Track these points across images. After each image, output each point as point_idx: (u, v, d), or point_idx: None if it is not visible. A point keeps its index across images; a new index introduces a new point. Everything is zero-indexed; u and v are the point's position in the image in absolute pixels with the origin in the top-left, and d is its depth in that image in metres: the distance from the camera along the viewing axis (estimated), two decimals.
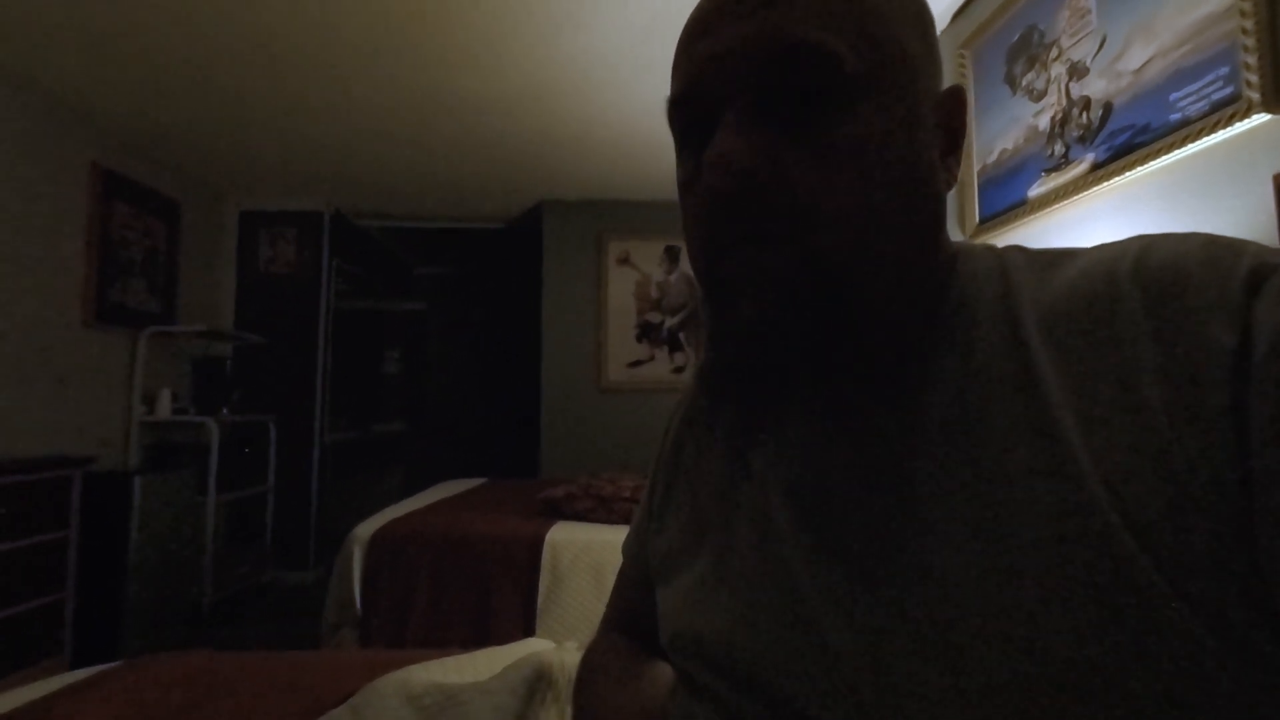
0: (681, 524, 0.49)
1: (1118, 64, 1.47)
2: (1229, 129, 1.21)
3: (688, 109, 0.39)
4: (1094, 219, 1.59)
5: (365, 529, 2.02)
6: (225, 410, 3.38)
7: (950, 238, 0.41)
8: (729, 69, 0.36)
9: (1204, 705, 0.26)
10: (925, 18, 0.40)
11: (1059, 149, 1.67)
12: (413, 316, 5.36)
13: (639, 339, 3.90)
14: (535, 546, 1.94)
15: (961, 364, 0.36)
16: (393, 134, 3.00)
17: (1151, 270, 0.32)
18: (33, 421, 2.53)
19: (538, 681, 0.60)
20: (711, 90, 0.36)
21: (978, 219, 2.02)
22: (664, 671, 0.54)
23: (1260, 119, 1.16)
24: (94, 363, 2.88)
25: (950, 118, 0.40)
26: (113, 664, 0.92)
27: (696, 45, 0.37)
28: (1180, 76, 1.31)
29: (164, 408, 3.14)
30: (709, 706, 0.41)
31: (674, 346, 3.90)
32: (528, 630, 1.82)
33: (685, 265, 3.93)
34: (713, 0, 0.38)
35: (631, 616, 0.61)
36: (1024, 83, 1.83)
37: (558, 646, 0.92)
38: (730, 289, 0.36)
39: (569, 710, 0.65)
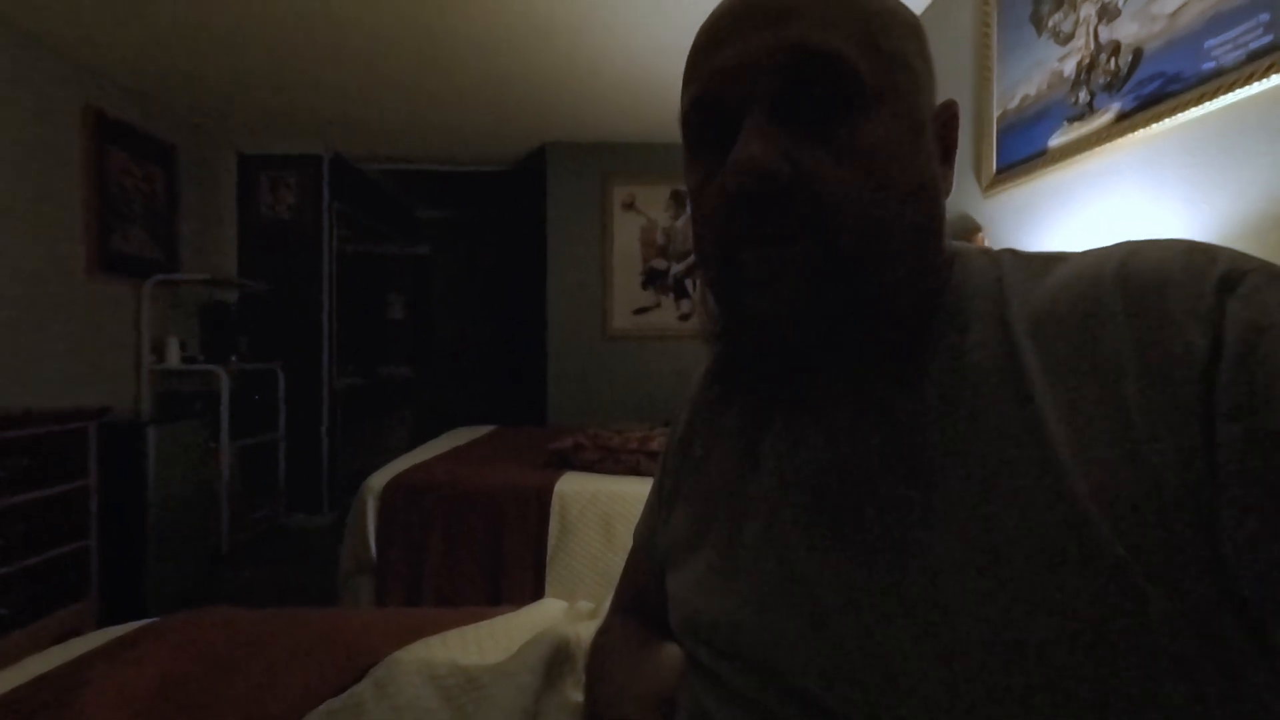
0: (692, 512, 0.50)
1: (1152, 6, 1.39)
2: (1264, 81, 1.16)
3: (706, 114, 0.40)
4: (1116, 173, 1.54)
5: (378, 479, 2.06)
6: (234, 358, 3.40)
7: (949, 241, 0.44)
8: (750, 76, 0.37)
9: (1183, 698, 0.28)
10: (922, 34, 0.42)
11: (1084, 97, 1.61)
12: (416, 261, 5.32)
13: (645, 285, 3.87)
14: (544, 497, 1.97)
15: (954, 362, 0.38)
16: (392, 74, 2.90)
17: (1134, 274, 0.34)
18: (43, 374, 2.55)
19: (556, 658, 0.62)
20: (732, 97, 0.38)
21: (995, 168, 1.96)
22: (673, 653, 0.56)
23: None
24: (99, 313, 2.88)
25: (945, 130, 0.43)
26: (142, 622, 0.95)
27: (716, 53, 0.39)
28: (1217, 21, 1.25)
29: (173, 356, 3.16)
30: (717, 689, 0.43)
31: (680, 293, 3.88)
32: (538, 579, 1.88)
33: None
34: (731, 10, 0.39)
35: (641, 599, 0.62)
36: (1050, 23, 1.74)
37: (569, 608, 0.95)
38: (748, 284, 0.38)
39: (583, 681, 0.67)
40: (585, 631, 0.71)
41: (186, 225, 3.43)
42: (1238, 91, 1.21)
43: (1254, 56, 1.17)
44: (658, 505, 0.59)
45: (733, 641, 0.42)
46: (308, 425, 3.86)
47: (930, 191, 0.40)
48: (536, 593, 1.88)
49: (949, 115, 0.43)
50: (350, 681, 0.70)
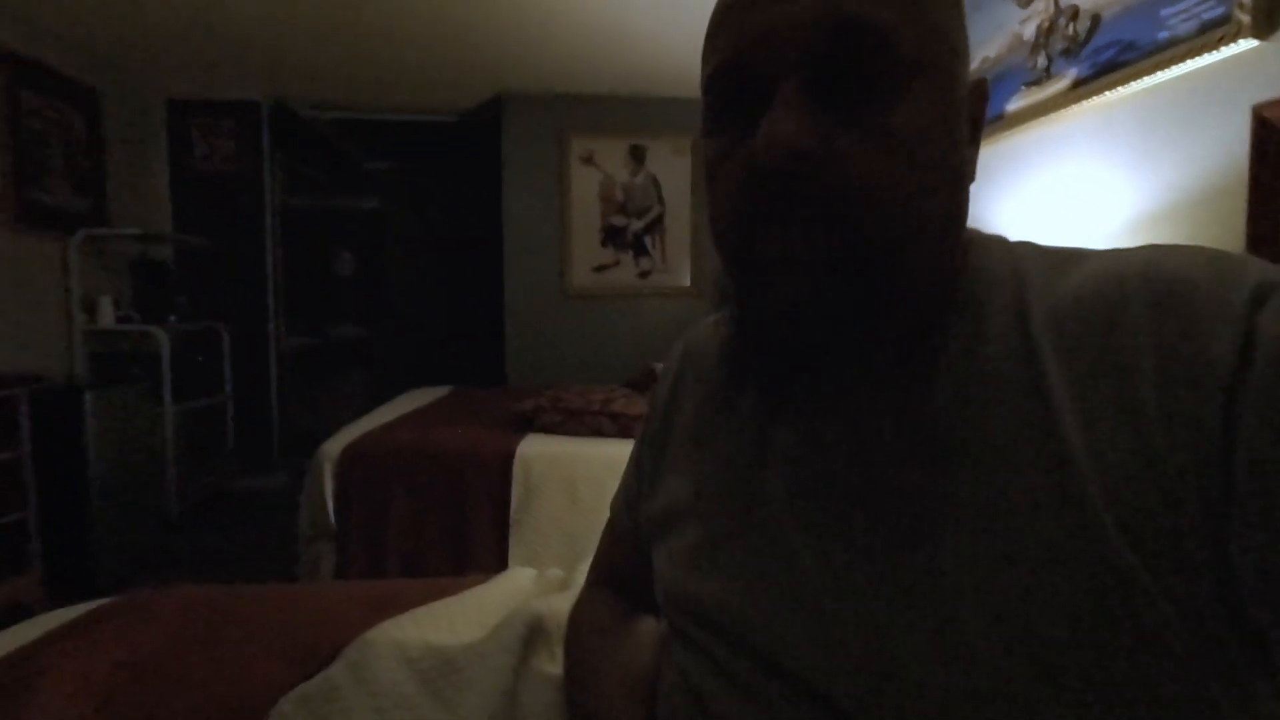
0: (686, 488, 0.50)
1: None
2: (1215, 53, 1.18)
3: (732, 81, 0.37)
4: (1070, 140, 1.57)
5: (334, 445, 2.02)
6: (173, 317, 3.25)
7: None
8: (783, 45, 0.35)
9: (1187, 703, 0.28)
10: (961, 6, 0.40)
11: (1042, 61, 1.63)
12: (366, 215, 5.11)
13: (604, 243, 3.82)
14: (506, 460, 1.97)
15: (970, 354, 0.37)
16: (335, 15, 2.73)
17: (1159, 278, 0.33)
18: None
19: (531, 636, 0.63)
20: (762, 65, 0.36)
21: None
22: (649, 629, 0.57)
23: (1248, 44, 1.14)
24: (22, 271, 2.70)
25: (974, 110, 0.40)
26: (97, 603, 0.92)
27: (746, 17, 0.36)
28: None
29: (106, 316, 3.00)
30: (706, 664, 0.43)
31: (639, 251, 3.84)
32: (502, 542, 1.88)
33: (651, 166, 3.79)
34: None
35: (616, 574, 0.63)
36: None
37: (538, 577, 0.95)
38: (766, 267, 0.37)
39: (560, 653, 0.68)
40: (559, 605, 0.71)
41: (114, 176, 3.22)
42: (1190, 62, 1.23)
43: (1206, 27, 1.20)
44: (637, 479, 0.58)
45: (723, 621, 0.42)
46: (256, 386, 3.74)
47: (961, 178, 0.38)
48: (501, 555, 1.89)
49: (980, 94, 0.41)
50: (321, 661, 0.69)
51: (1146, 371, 0.31)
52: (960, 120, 0.38)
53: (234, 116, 3.62)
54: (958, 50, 0.38)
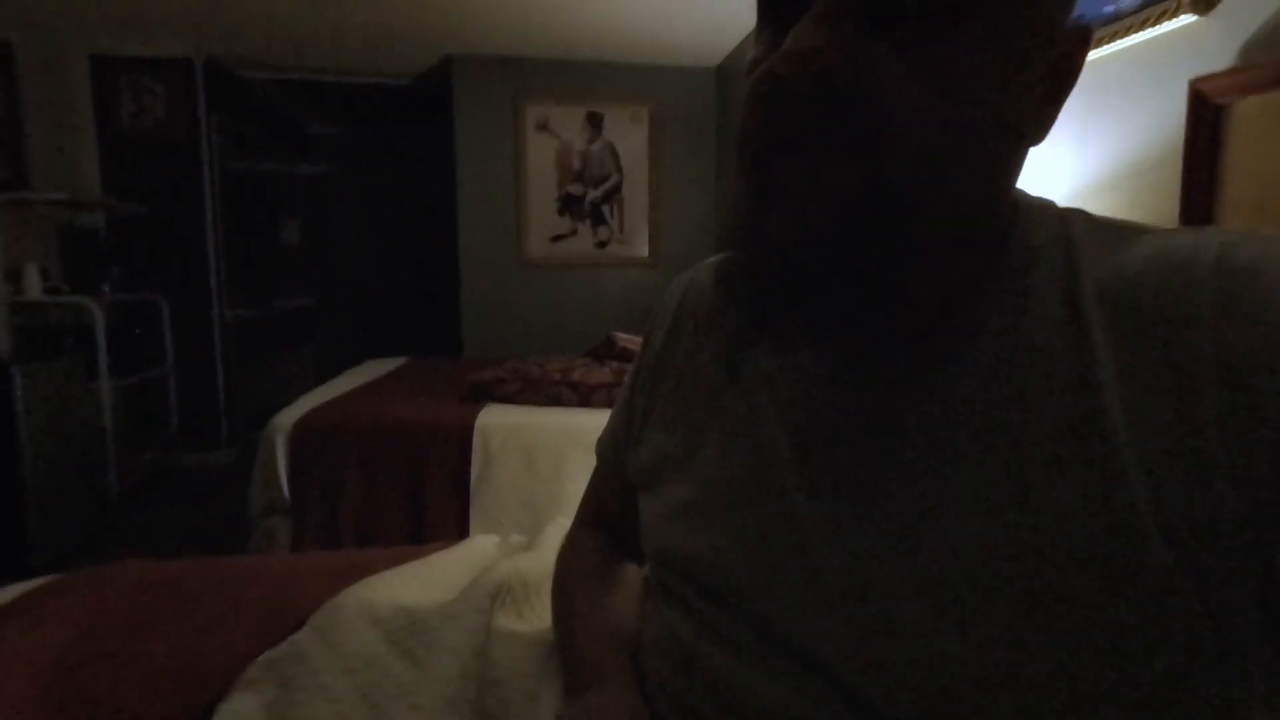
0: (668, 435, 0.49)
1: None
2: (1157, 27, 1.23)
3: None
4: None
5: (286, 417, 1.97)
6: (107, 288, 3.09)
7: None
8: None
9: (1194, 697, 0.28)
10: None
11: None
12: (312, 181, 4.92)
13: (561, 212, 3.77)
14: (466, 431, 1.95)
15: (1012, 330, 0.34)
16: None
17: (1231, 273, 0.29)
18: None
19: (500, 594, 0.64)
20: None
21: None
22: (635, 576, 0.57)
23: (1186, 19, 1.18)
24: None
25: (1064, 61, 0.35)
26: (37, 582, 0.89)
27: None
28: None
29: (33, 286, 2.83)
30: (692, 624, 0.43)
31: (597, 220, 3.81)
32: (461, 514, 1.88)
33: (608, 134, 3.74)
34: None
35: (604, 514, 0.63)
36: None
37: (501, 543, 0.96)
38: (778, 191, 0.33)
39: (525, 611, 0.69)
40: (525, 565, 0.72)
41: (35, 138, 3.01)
42: (1132, 36, 1.27)
43: (1149, 3, 1.24)
44: (628, 422, 0.56)
45: (719, 583, 0.41)
46: (199, 359, 3.59)
47: (1014, 132, 0.34)
48: (460, 527, 1.89)
49: (1075, 43, 0.35)
50: (285, 632, 0.68)
51: (1208, 373, 0.28)
52: (1027, 69, 0.32)
53: (164, 74, 3.42)
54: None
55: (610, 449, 0.60)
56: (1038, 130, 0.35)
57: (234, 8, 2.96)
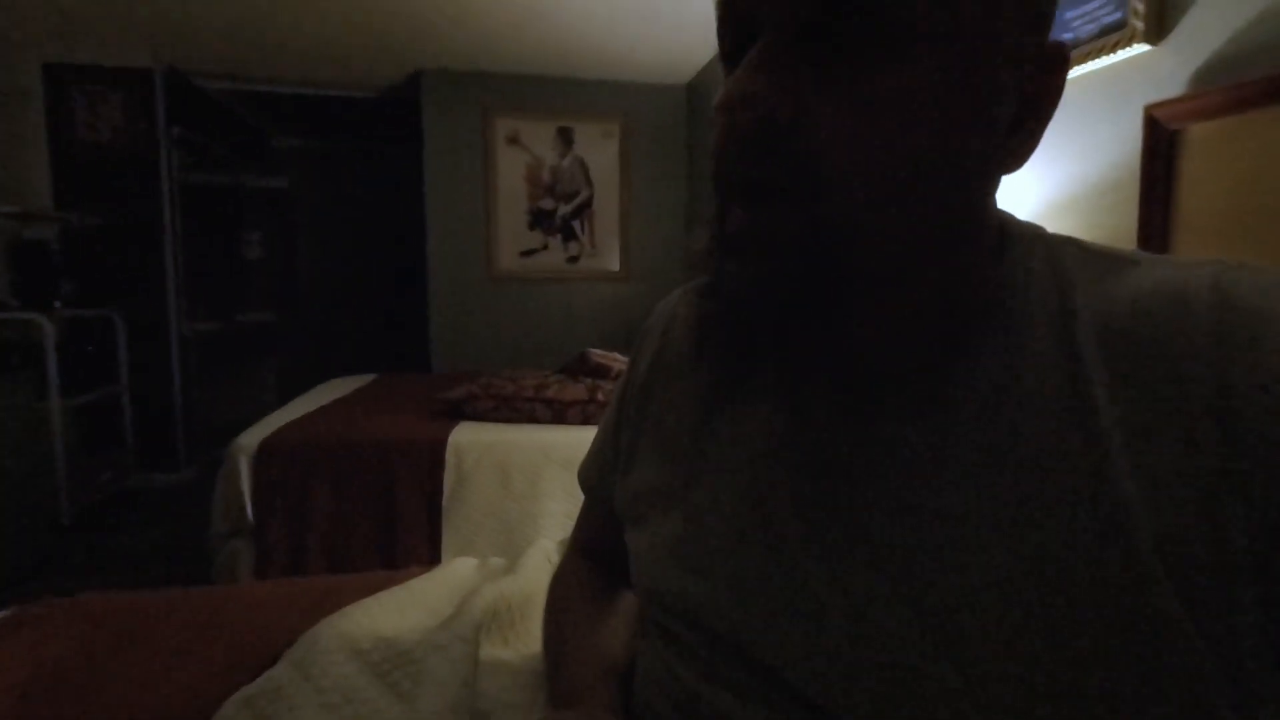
0: (657, 469, 0.47)
1: None
2: (1112, 55, 1.28)
3: (725, 29, 0.35)
4: None
5: (250, 437, 1.91)
6: (58, 304, 2.97)
7: (1001, 219, 0.38)
8: None
9: None
10: None
11: None
12: (274, 194, 4.82)
13: (531, 226, 3.76)
14: (438, 449, 1.92)
15: (1007, 366, 0.33)
16: None
17: (1229, 304, 0.29)
18: None
19: (485, 622, 0.62)
20: (747, 15, 0.32)
21: None
22: (627, 606, 0.56)
23: (1140, 49, 1.23)
24: None
25: (1039, 82, 0.33)
26: None
27: None
28: None
29: None
30: (689, 664, 0.42)
31: (568, 235, 3.80)
32: (433, 534, 1.84)
33: (579, 149, 3.75)
34: None
35: (595, 543, 0.62)
36: None
37: (480, 565, 0.94)
38: (730, 239, 0.34)
39: (511, 638, 0.68)
40: (509, 588, 0.71)
41: None
42: (1089, 64, 1.32)
43: (1105, 31, 1.29)
44: (614, 453, 0.54)
45: (714, 623, 0.40)
46: (156, 377, 3.47)
47: (974, 164, 0.33)
48: (432, 547, 1.85)
49: (1052, 62, 0.34)
50: (256, 667, 0.66)
51: (1207, 408, 0.28)
52: (990, 96, 0.31)
53: (122, 84, 3.33)
54: (1007, 12, 0.31)
55: (596, 480, 0.59)
56: (1012, 156, 0.34)
57: (197, 16, 2.90)
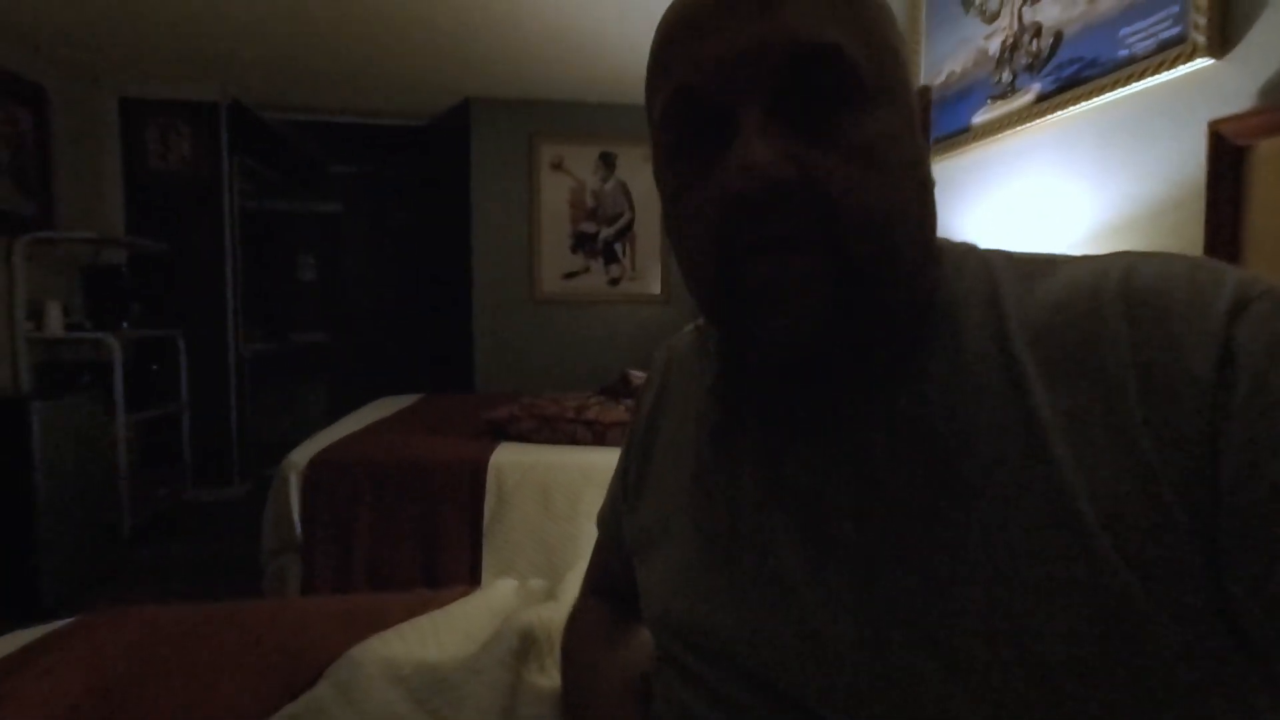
0: (662, 503, 0.49)
1: None
2: (1172, 71, 1.23)
3: (689, 112, 0.37)
4: (1034, 151, 1.62)
5: (301, 455, 1.96)
6: (125, 324, 3.13)
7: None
8: (743, 70, 0.34)
9: (1173, 709, 0.29)
10: (895, 21, 0.40)
11: (1006, 76, 1.67)
12: (328, 219, 5.01)
13: (574, 249, 3.81)
14: (479, 469, 1.94)
15: (952, 369, 0.36)
16: (299, 11, 2.67)
17: (1135, 292, 0.32)
18: None
19: (523, 648, 0.62)
20: (720, 94, 0.35)
21: None
22: (645, 640, 0.56)
23: (1203, 63, 1.18)
24: None
25: (923, 117, 0.41)
26: (51, 627, 0.88)
27: (699, 43, 0.36)
28: (1132, 11, 1.31)
29: (54, 323, 2.87)
30: (697, 688, 0.42)
31: (609, 258, 3.84)
32: (474, 553, 1.85)
33: (621, 173, 3.80)
34: None
35: (609, 584, 0.63)
36: (977, 1, 1.79)
37: (519, 588, 0.94)
38: (754, 297, 0.36)
39: (549, 664, 0.67)
40: (548, 615, 0.70)
41: (63, 178, 3.09)
42: (1147, 79, 1.28)
43: (1163, 46, 1.25)
44: (621, 492, 0.57)
45: (718, 648, 0.41)
46: (213, 395, 3.61)
47: (929, 184, 0.39)
48: (473, 566, 1.86)
49: (925, 102, 0.41)
50: (299, 682, 0.67)
51: (1130, 387, 0.31)
52: (916, 130, 0.38)
53: (191, 117, 3.52)
54: (901, 59, 0.38)
55: (611, 519, 0.61)
56: (929, 176, 0.40)
57: (261, 53, 3.06)
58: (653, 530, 0.49)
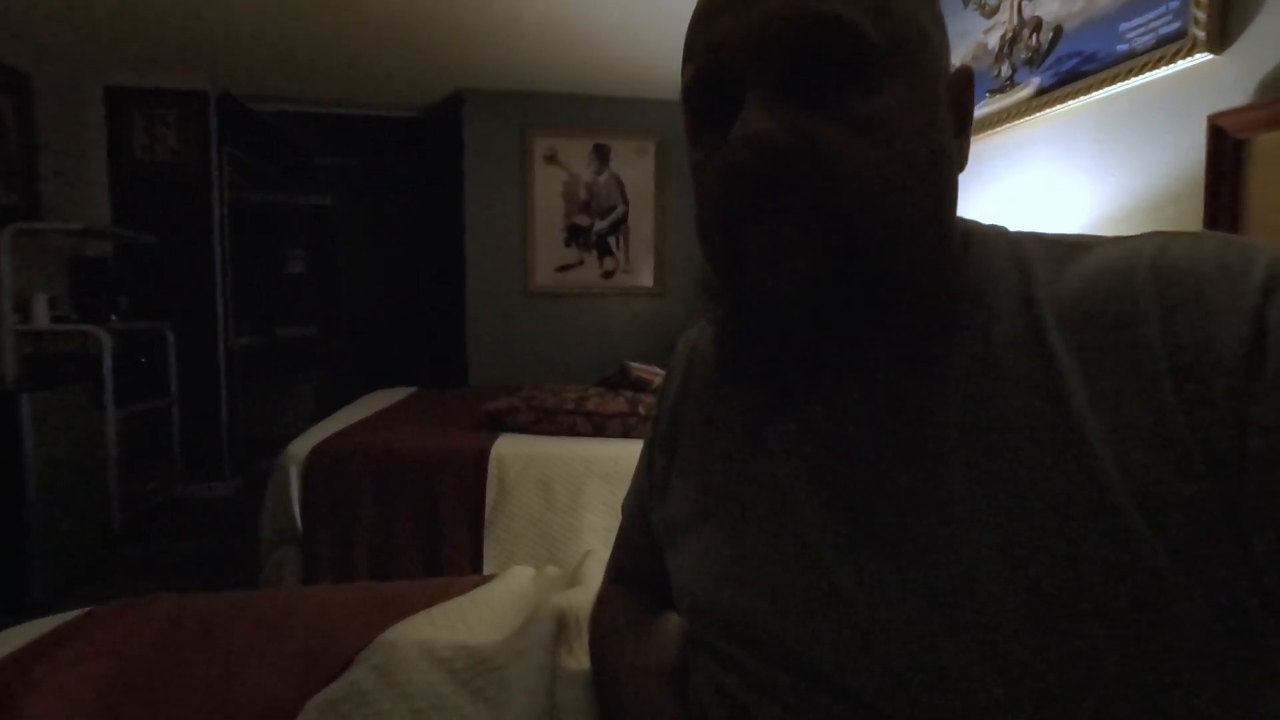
0: (692, 493, 0.49)
1: None
2: (1171, 65, 1.25)
3: (707, 90, 0.38)
4: (1034, 145, 1.64)
5: (300, 447, 1.95)
6: (114, 317, 3.08)
7: (962, 219, 0.42)
8: (752, 46, 0.35)
9: (1219, 694, 0.29)
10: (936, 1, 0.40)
11: (1006, 70, 1.69)
12: (318, 212, 4.95)
13: (567, 242, 3.80)
14: (481, 460, 1.94)
15: (982, 352, 0.36)
16: (287, 4, 2.64)
17: (1166, 271, 0.33)
18: None
19: (561, 631, 0.62)
20: (734, 68, 0.36)
21: None
22: (674, 624, 0.57)
23: (1202, 58, 1.21)
24: None
25: (960, 98, 0.40)
26: (68, 616, 0.87)
27: (715, 22, 0.37)
28: (1132, 6, 1.34)
29: (41, 316, 2.82)
30: (734, 676, 0.43)
31: (603, 251, 3.83)
32: (475, 545, 1.85)
33: (615, 166, 3.79)
34: None
35: (633, 574, 0.63)
36: None
37: (537, 575, 0.94)
38: (751, 261, 0.36)
39: (578, 649, 0.68)
40: (578, 600, 0.71)
41: (47, 168, 3.03)
42: (1146, 74, 1.30)
43: (1163, 41, 1.27)
44: (648, 482, 0.57)
45: (755, 633, 0.41)
46: (203, 389, 3.57)
47: (946, 165, 0.38)
48: (474, 557, 1.86)
49: (963, 82, 0.41)
50: (328, 668, 0.67)
51: (1162, 368, 0.31)
52: (939, 106, 0.38)
53: (179, 107, 3.46)
54: (929, 35, 0.38)
55: (635, 504, 0.61)
56: (960, 158, 0.40)
57: (250, 42, 3.02)
58: (683, 519, 0.50)
